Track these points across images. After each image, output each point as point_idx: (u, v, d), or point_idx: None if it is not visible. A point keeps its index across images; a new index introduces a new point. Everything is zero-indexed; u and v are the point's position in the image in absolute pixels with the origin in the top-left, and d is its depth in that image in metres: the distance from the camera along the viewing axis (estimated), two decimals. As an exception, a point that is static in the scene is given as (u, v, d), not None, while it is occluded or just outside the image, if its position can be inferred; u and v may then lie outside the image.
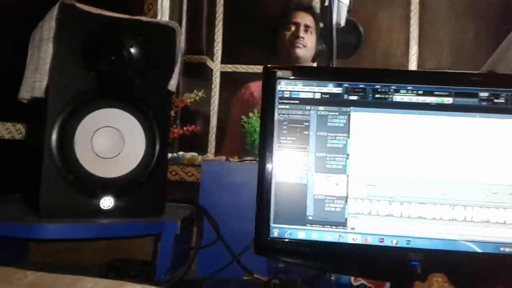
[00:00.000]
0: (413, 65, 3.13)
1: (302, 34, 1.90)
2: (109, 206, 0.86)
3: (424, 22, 3.16)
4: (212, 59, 3.19)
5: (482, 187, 0.80)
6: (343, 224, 0.82)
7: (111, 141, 0.87)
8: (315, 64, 2.02)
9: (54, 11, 0.84)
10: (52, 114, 0.81)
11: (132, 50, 0.88)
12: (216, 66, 3.22)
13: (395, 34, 3.20)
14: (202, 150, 2.78)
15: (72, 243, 1.05)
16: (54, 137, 0.80)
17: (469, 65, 2.87)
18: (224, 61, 3.23)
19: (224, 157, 1.33)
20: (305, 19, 1.93)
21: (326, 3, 1.24)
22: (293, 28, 1.92)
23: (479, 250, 0.79)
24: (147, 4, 1.62)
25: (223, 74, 3.22)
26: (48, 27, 0.84)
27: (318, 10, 2.13)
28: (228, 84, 3.04)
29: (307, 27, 1.92)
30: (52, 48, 0.82)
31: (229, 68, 3.23)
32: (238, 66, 3.22)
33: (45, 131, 0.80)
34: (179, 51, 0.96)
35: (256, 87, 2.00)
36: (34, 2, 1.16)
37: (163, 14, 1.96)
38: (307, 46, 1.91)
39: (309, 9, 1.99)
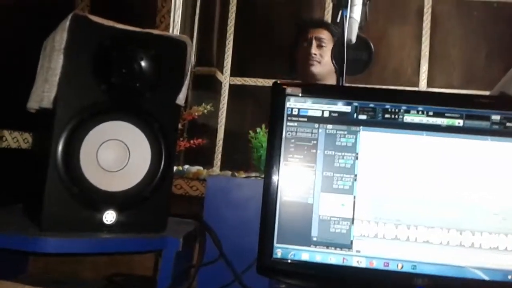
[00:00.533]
0: (423, 83, 3.13)
1: (314, 50, 1.84)
2: (112, 220, 0.85)
3: (435, 40, 3.16)
4: (221, 72, 3.21)
5: (491, 213, 0.79)
6: (348, 247, 0.80)
7: (116, 155, 0.86)
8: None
9: (67, 22, 0.84)
10: (59, 125, 0.81)
11: (143, 63, 0.88)
12: (226, 78, 3.24)
13: (406, 51, 3.20)
14: (208, 163, 2.78)
15: (73, 256, 1.04)
16: (60, 148, 0.80)
17: (480, 85, 2.86)
18: (233, 73, 3.25)
19: (229, 172, 1.32)
20: (317, 33, 1.88)
21: (338, 20, 1.24)
22: (305, 45, 1.87)
23: (487, 278, 0.77)
24: (159, 17, 1.64)
25: (232, 87, 3.23)
26: (59, 38, 0.84)
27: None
28: (237, 97, 3.05)
29: (319, 41, 1.86)
30: (62, 59, 0.83)
31: (238, 81, 3.24)
32: (247, 79, 3.23)
33: (52, 142, 0.80)
34: (189, 65, 0.96)
35: None
36: (48, 13, 1.17)
37: (175, 27, 1.98)
38: (321, 62, 1.84)
39: (321, 24, 1.95)
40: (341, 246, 0.81)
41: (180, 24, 2.15)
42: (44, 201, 0.80)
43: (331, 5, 3.15)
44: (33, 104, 0.91)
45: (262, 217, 0.83)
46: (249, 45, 3.25)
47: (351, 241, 0.80)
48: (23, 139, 1.21)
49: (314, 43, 1.85)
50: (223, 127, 3.11)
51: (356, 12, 1.23)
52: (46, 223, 0.80)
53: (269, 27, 3.14)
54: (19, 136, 1.20)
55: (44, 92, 0.84)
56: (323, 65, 1.85)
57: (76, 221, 0.83)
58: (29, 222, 0.88)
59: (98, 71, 0.85)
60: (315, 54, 1.83)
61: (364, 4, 1.25)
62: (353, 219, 0.81)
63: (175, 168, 1.27)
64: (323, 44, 1.86)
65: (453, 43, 3.16)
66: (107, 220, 0.84)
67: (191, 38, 2.82)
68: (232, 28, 3.29)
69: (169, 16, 1.64)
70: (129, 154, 0.87)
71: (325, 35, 1.88)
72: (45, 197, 0.80)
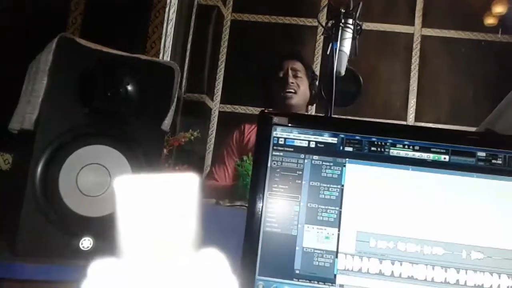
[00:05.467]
0: (411, 118, 3.16)
1: (291, 79, 1.86)
2: (88, 247, 0.82)
3: (423, 76, 3.22)
4: (212, 99, 3.22)
5: (476, 250, 0.78)
6: (332, 281, 0.78)
7: (97, 179, 0.84)
8: (313, 108, 2.02)
9: (53, 44, 0.83)
10: (38, 148, 0.79)
11: (129, 87, 0.87)
12: (215, 105, 3.24)
13: (394, 86, 3.25)
14: (195, 189, 2.75)
15: (48, 283, 1.00)
16: (38, 171, 0.78)
17: (467, 121, 2.89)
18: (223, 100, 3.26)
19: (214, 200, 1.30)
20: (292, 64, 1.91)
21: (328, 52, 1.25)
22: (281, 75, 1.89)
23: (473, 317, 0.75)
24: (150, 42, 1.65)
25: (222, 114, 3.24)
26: (45, 59, 0.84)
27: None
28: (226, 125, 3.05)
29: (295, 71, 1.89)
30: (46, 80, 0.82)
31: (228, 108, 3.25)
32: (237, 106, 3.24)
33: (30, 164, 0.78)
34: (176, 91, 0.96)
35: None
36: (38, 34, 1.16)
37: (166, 53, 1.98)
38: (297, 92, 1.86)
39: (294, 56, 1.97)
40: (324, 280, 0.78)
41: (171, 51, 2.16)
42: (20, 225, 0.78)
43: (322, 37, 3.20)
44: (15, 125, 0.89)
45: (244, 248, 0.81)
46: (241, 73, 3.27)
47: (335, 275, 0.79)
48: (3, 160, 1.19)
49: (290, 72, 1.88)
50: (211, 153, 3.09)
51: (346, 45, 1.25)
52: (21, 248, 0.78)
53: (261, 56, 3.17)
54: (0, 157, 1.18)
55: (26, 113, 0.83)
56: (299, 95, 1.87)
57: (52, 247, 0.80)
58: (4, 246, 0.85)
59: (83, 94, 0.84)
60: (292, 83, 1.85)
61: (354, 38, 1.27)
62: (337, 252, 0.79)
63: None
64: (299, 75, 1.89)
65: (441, 79, 3.21)
66: (83, 247, 0.82)
67: (183, 64, 2.84)
68: (224, 56, 3.32)
69: (160, 42, 1.65)
70: (110, 179, 0.86)
71: (299, 66, 1.92)
72: (20, 221, 0.78)
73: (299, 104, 1.88)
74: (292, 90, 1.85)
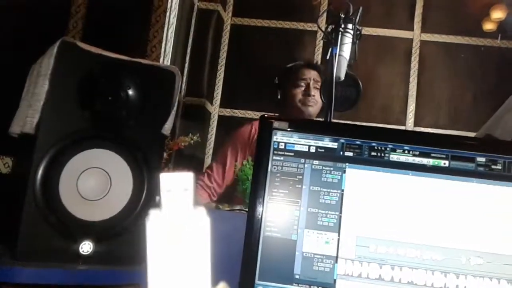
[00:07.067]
0: (410, 122, 3.16)
1: (313, 92, 1.88)
2: (88, 251, 0.82)
3: (422, 81, 3.23)
4: (211, 103, 3.22)
5: (476, 255, 0.78)
6: (331, 286, 0.78)
7: (97, 183, 0.84)
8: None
9: (55, 48, 0.84)
10: (39, 152, 0.79)
11: (130, 92, 0.88)
12: (215, 109, 3.24)
13: (393, 90, 3.25)
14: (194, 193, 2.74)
15: None
16: (39, 175, 0.78)
17: (466, 126, 2.90)
18: (223, 105, 3.26)
19: (213, 205, 1.30)
20: (313, 75, 1.93)
21: (328, 57, 1.26)
22: (303, 85, 1.91)
23: (472, 322, 0.75)
24: (150, 47, 1.65)
25: (221, 118, 3.24)
26: (46, 63, 0.84)
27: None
28: (225, 129, 3.05)
29: (316, 82, 1.91)
30: (47, 84, 0.82)
31: (227, 112, 3.25)
32: (236, 111, 3.24)
33: (31, 168, 0.78)
34: (177, 95, 0.96)
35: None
36: (39, 38, 1.16)
37: (166, 57, 1.99)
38: (317, 104, 1.90)
39: (316, 67, 2.00)
40: (324, 285, 0.78)
41: (171, 55, 2.17)
42: (21, 229, 0.78)
43: (321, 42, 3.21)
44: (15, 128, 0.89)
45: (244, 253, 0.81)
46: (240, 77, 3.28)
47: (334, 280, 0.78)
48: (3, 164, 1.19)
49: (312, 84, 1.89)
50: (210, 158, 3.09)
51: (345, 50, 1.26)
52: (21, 252, 0.78)
53: (261, 60, 3.18)
54: (0, 161, 1.18)
55: (27, 117, 0.83)
56: (318, 106, 1.91)
57: (52, 251, 0.80)
58: (4, 249, 0.85)
59: (83, 98, 0.84)
60: (313, 95, 1.88)
61: (353, 43, 1.28)
62: (337, 257, 0.79)
63: (158, 198, 1.24)
64: (317, 86, 1.91)
65: (440, 84, 3.22)
66: (83, 251, 0.82)
67: (182, 68, 2.84)
68: (224, 60, 3.32)
69: (160, 46, 1.65)
70: (110, 183, 0.86)
71: (318, 77, 1.94)
72: (21, 225, 0.78)
73: (316, 113, 1.92)
74: (314, 101, 1.88)
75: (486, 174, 0.80)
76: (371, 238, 0.79)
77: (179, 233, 0.27)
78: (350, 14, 1.27)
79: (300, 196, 0.82)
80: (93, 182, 0.84)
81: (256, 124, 1.95)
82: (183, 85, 2.94)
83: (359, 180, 0.82)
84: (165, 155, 1.22)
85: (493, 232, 0.78)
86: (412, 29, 3.28)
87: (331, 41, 1.26)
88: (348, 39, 1.25)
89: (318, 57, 3.26)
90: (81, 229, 0.82)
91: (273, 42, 3.30)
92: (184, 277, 0.28)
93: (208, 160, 3.07)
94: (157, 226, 0.27)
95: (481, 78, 3.13)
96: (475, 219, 0.79)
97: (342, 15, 1.26)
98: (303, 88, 1.90)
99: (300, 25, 3.32)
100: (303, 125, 0.89)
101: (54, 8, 1.77)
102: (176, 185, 0.28)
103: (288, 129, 0.85)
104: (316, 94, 1.89)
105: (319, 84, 1.91)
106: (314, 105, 1.89)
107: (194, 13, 3.05)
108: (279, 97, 1.95)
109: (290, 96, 1.91)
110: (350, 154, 0.83)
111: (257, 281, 0.79)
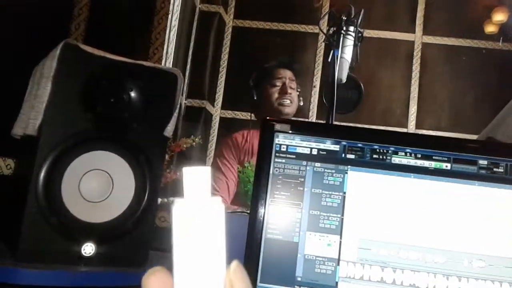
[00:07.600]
0: (411, 125, 3.16)
1: (289, 90, 1.89)
2: (90, 253, 0.82)
3: (424, 83, 3.23)
4: (213, 105, 3.22)
5: (478, 258, 0.78)
6: (333, 288, 0.78)
7: (99, 185, 0.84)
8: (314, 114, 2.02)
9: (57, 50, 0.84)
10: (42, 153, 0.79)
11: (132, 94, 0.88)
12: (217, 111, 3.25)
13: (395, 93, 3.25)
14: (196, 195, 2.74)
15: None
16: (41, 176, 0.78)
17: (467, 128, 2.90)
18: (224, 106, 3.26)
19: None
20: (288, 74, 1.94)
21: (329, 59, 1.26)
22: (279, 84, 1.90)
23: (474, 325, 0.75)
24: (152, 49, 1.65)
25: (223, 120, 3.24)
26: (49, 65, 0.84)
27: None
28: (227, 131, 3.05)
29: (291, 81, 1.92)
30: (50, 86, 0.82)
31: (229, 114, 3.25)
32: (238, 112, 3.24)
33: (33, 169, 0.78)
34: (179, 98, 0.96)
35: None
36: (41, 40, 1.17)
37: (168, 59, 1.99)
38: (293, 102, 1.90)
39: (292, 66, 2.00)
40: (326, 288, 0.78)
41: (173, 57, 2.17)
42: (22, 231, 0.78)
43: (323, 44, 3.21)
44: (18, 130, 0.89)
45: (246, 255, 0.81)
46: (242, 79, 3.28)
47: (336, 283, 0.78)
48: (6, 165, 1.19)
49: (288, 83, 1.91)
50: (211, 159, 3.09)
51: (347, 52, 1.26)
52: (23, 253, 0.78)
53: (262, 63, 3.18)
54: (2, 162, 1.18)
55: (30, 118, 0.83)
56: (293, 105, 1.91)
57: (54, 252, 0.80)
58: (6, 251, 0.85)
59: (86, 100, 0.84)
60: (290, 93, 1.88)
61: (355, 46, 1.28)
62: (338, 260, 0.79)
63: (160, 200, 1.25)
64: (293, 86, 1.93)
65: (441, 86, 3.22)
66: (85, 253, 0.82)
67: (184, 70, 2.85)
68: (226, 62, 3.33)
69: (162, 49, 1.65)
70: (113, 185, 0.86)
71: (293, 77, 1.95)
72: (23, 226, 0.78)
73: (293, 113, 1.92)
74: (290, 100, 1.89)
75: (488, 177, 0.80)
76: (373, 240, 0.79)
77: (200, 218, 0.31)
78: (352, 16, 1.28)
79: (302, 199, 0.82)
80: (95, 184, 0.84)
81: (237, 136, 1.95)
82: (185, 87, 2.94)
83: (361, 183, 0.82)
84: (167, 157, 1.22)
85: (495, 235, 0.78)
86: (413, 32, 3.28)
87: (332, 43, 1.26)
88: (349, 42, 1.26)
89: (319, 60, 3.26)
90: (83, 231, 0.82)
91: (274, 44, 3.30)
92: (205, 259, 0.31)
93: (209, 162, 3.07)
94: (181, 213, 0.30)
95: (483, 81, 3.13)
96: (477, 222, 0.79)
97: (344, 18, 1.26)
98: (279, 88, 1.90)
99: (302, 28, 3.32)
100: (305, 128, 0.89)
101: (56, 10, 1.78)
102: (196, 177, 0.31)
103: (290, 132, 0.85)
104: (292, 93, 1.90)
105: (295, 83, 1.93)
106: (290, 103, 1.89)
107: (196, 16, 3.06)
108: (255, 97, 1.95)
109: (266, 96, 1.91)
110: (352, 156, 0.83)
111: (258, 283, 0.79)
